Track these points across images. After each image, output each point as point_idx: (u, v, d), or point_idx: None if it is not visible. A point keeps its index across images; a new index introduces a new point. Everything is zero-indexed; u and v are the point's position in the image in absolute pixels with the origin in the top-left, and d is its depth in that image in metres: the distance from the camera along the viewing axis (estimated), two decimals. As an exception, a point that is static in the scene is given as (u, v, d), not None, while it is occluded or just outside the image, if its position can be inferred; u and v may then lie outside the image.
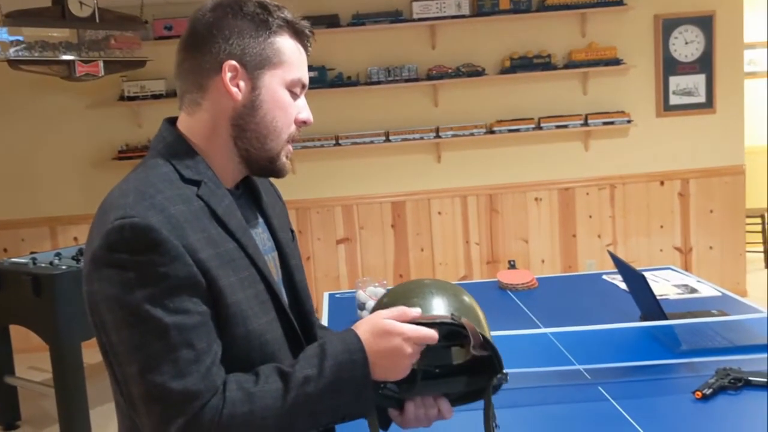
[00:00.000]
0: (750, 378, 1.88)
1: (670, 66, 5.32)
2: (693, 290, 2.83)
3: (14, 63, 4.16)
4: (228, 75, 1.14)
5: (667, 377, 2.00)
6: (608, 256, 2.76)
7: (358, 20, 5.15)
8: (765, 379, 1.87)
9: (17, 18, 4.11)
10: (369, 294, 2.68)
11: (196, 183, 1.14)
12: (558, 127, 5.25)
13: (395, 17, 5.16)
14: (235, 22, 1.15)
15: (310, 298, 1.32)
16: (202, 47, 1.16)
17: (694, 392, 1.84)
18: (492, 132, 5.28)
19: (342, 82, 5.19)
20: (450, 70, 5.19)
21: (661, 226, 5.47)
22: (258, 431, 1.04)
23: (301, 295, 1.30)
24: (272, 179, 1.38)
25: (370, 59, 5.26)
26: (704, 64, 5.33)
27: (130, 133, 5.31)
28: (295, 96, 1.20)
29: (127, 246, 1.02)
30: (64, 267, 3.83)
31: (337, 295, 3.17)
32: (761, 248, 6.45)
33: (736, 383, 1.87)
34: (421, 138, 5.25)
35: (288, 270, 1.29)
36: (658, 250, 5.48)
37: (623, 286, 2.84)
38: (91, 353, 3.95)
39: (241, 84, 1.15)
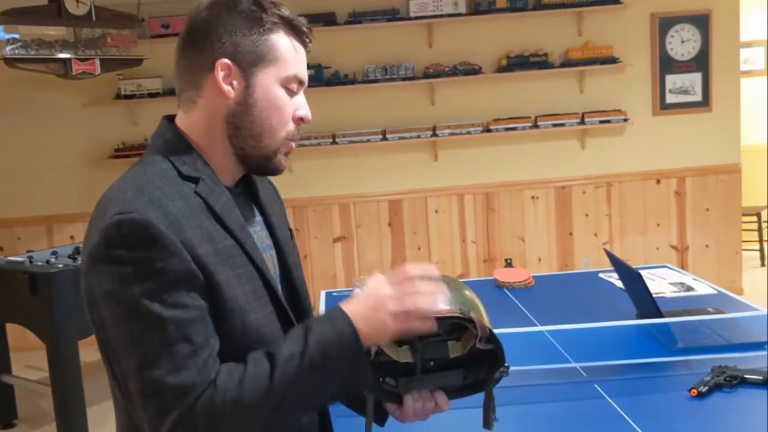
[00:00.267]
0: (746, 376, 1.89)
1: (667, 64, 5.33)
2: (689, 288, 2.84)
3: (11, 61, 4.15)
4: (221, 73, 1.14)
5: (663, 375, 2.01)
6: (605, 255, 2.76)
7: (355, 18, 5.14)
8: (761, 377, 1.88)
9: (14, 16, 4.11)
10: (366, 292, 2.68)
11: (194, 180, 1.14)
12: (555, 125, 5.25)
13: (392, 15, 5.16)
14: (228, 20, 1.14)
15: (307, 296, 1.33)
16: (197, 45, 1.16)
17: (690, 390, 1.85)
18: (489, 130, 5.28)
19: (339, 80, 5.19)
20: (447, 69, 5.20)
21: (658, 225, 5.48)
22: (251, 414, 1.04)
23: (299, 292, 1.30)
24: (271, 178, 1.39)
25: (367, 57, 5.26)
26: (700, 62, 5.34)
27: (126, 132, 5.30)
28: (291, 93, 1.19)
29: (125, 242, 1.03)
30: (60, 265, 3.82)
31: (334, 294, 3.17)
32: (757, 246, 6.47)
33: (732, 381, 1.88)
34: (418, 136, 5.25)
35: (286, 268, 1.29)
36: (654, 248, 5.49)
37: (619, 284, 2.85)
38: (87, 351, 3.95)
39: (235, 82, 1.15)
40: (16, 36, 4.15)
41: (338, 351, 1.06)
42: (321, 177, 5.38)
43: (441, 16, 5.13)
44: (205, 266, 1.06)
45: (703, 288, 2.83)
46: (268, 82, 1.16)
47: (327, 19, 5.12)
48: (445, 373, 1.23)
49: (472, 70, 5.19)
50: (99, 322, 1.08)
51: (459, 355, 1.22)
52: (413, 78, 5.20)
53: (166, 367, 1.01)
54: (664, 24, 5.29)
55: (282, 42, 1.17)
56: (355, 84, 5.21)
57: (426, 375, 1.22)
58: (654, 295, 2.29)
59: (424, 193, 5.42)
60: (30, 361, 4.75)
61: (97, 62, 4.41)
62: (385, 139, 5.25)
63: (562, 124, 5.26)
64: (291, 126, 1.19)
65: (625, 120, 5.29)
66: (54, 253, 4.11)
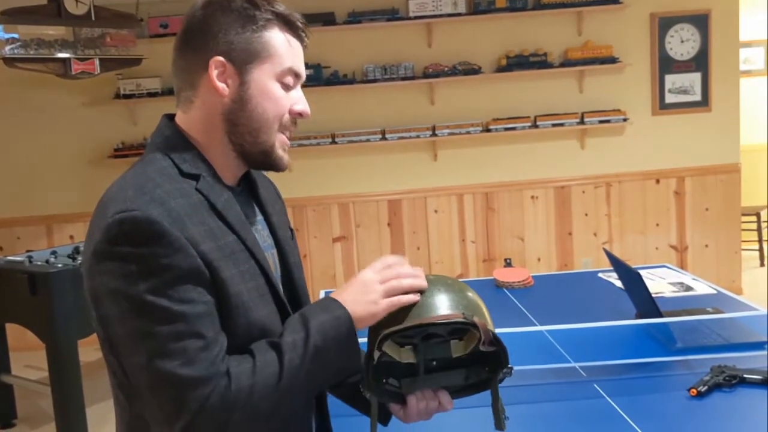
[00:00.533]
0: (745, 375, 1.89)
1: (666, 64, 5.33)
2: (688, 288, 2.84)
3: (10, 61, 4.15)
4: (215, 71, 1.15)
5: (663, 374, 2.01)
6: (604, 254, 2.77)
7: (355, 18, 5.14)
8: (760, 377, 1.88)
9: (13, 16, 4.10)
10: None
11: (195, 177, 1.15)
12: (554, 125, 5.25)
13: (391, 15, 5.16)
14: (222, 19, 1.15)
15: (308, 295, 1.33)
16: (192, 45, 1.17)
17: (689, 389, 1.85)
18: (488, 130, 5.28)
19: (338, 80, 5.19)
20: (446, 69, 5.19)
21: (657, 224, 5.48)
22: (263, 401, 1.06)
23: (300, 292, 1.31)
24: (271, 177, 1.39)
25: (366, 57, 5.26)
26: (700, 62, 5.34)
27: (125, 131, 5.30)
28: (287, 87, 1.19)
29: (128, 239, 1.03)
30: (60, 265, 3.82)
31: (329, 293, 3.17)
32: (756, 246, 6.47)
33: (731, 380, 1.88)
34: (418, 136, 5.25)
35: (287, 268, 1.29)
36: (653, 248, 5.49)
37: (619, 284, 2.85)
38: (87, 351, 3.96)
39: (230, 80, 1.16)
40: (16, 36, 4.15)
41: (337, 334, 1.11)
42: (320, 177, 5.38)
43: (440, 15, 5.13)
44: (210, 262, 1.07)
45: (702, 288, 2.83)
46: (262, 78, 1.16)
47: (326, 19, 5.12)
48: (447, 373, 1.24)
49: (471, 70, 5.19)
50: (105, 320, 1.07)
51: (461, 354, 1.22)
52: (413, 78, 5.20)
53: (178, 360, 1.02)
54: (664, 24, 5.30)
55: (276, 38, 1.17)
56: (354, 84, 5.21)
57: (428, 375, 1.23)
58: (653, 295, 2.29)
59: (424, 193, 5.42)
60: (29, 360, 4.75)
61: (97, 62, 4.41)
62: (384, 138, 5.25)
63: (561, 124, 5.26)
64: (286, 117, 1.20)
65: (625, 120, 5.29)
66: (53, 252, 4.11)
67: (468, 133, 5.25)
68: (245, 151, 1.19)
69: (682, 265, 5.46)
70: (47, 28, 4.27)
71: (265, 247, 1.23)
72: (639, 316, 2.44)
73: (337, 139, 5.24)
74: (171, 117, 1.22)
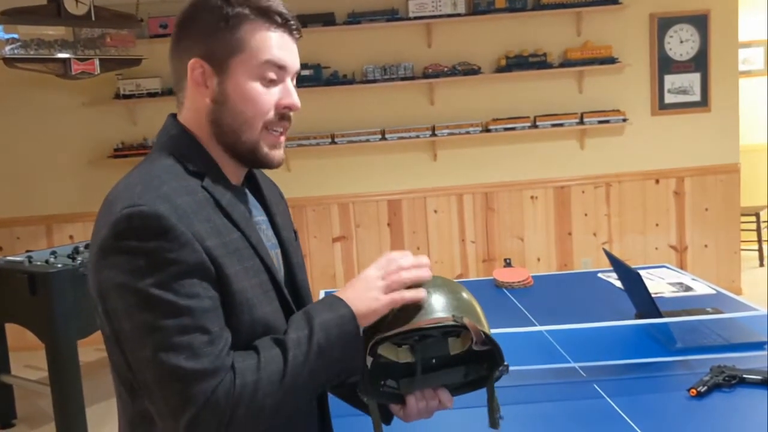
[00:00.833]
0: (744, 375, 1.89)
1: (665, 64, 5.34)
2: (688, 288, 2.84)
3: (10, 61, 4.15)
4: (196, 72, 1.15)
5: (662, 375, 2.01)
6: (604, 254, 2.77)
7: (354, 18, 5.14)
8: (759, 377, 1.88)
9: (13, 16, 4.10)
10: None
11: (200, 175, 1.15)
12: (553, 125, 5.26)
13: (391, 15, 5.16)
14: (199, 20, 1.15)
15: (311, 296, 1.34)
16: (177, 47, 1.18)
17: (689, 390, 1.85)
18: (488, 130, 5.28)
19: (338, 80, 5.19)
20: (446, 69, 5.20)
21: (657, 225, 5.48)
22: (268, 397, 1.06)
23: (303, 293, 1.31)
24: (272, 178, 1.39)
25: (366, 57, 5.26)
26: (699, 62, 5.34)
27: (125, 131, 5.30)
28: (271, 83, 1.17)
29: (135, 233, 1.04)
30: (59, 265, 3.82)
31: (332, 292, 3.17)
32: (756, 246, 6.47)
33: (731, 381, 1.88)
34: (417, 136, 5.25)
35: (290, 268, 1.30)
36: (653, 248, 5.49)
37: (618, 284, 2.85)
38: (86, 351, 3.96)
39: (209, 81, 1.16)
40: (16, 36, 4.15)
41: (340, 332, 1.11)
42: (320, 177, 5.38)
43: (440, 16, 5.13)
44: (215, 258, 1.08)
45: (702, 288, 2.83)
46: (238, 75, 1.15)
47: (326, 19, 5.12)
48: (446, 371, 1.24)
49: (471, 70, 5.20)
50: (111, 314, 1.08)
51: (459, 352, 1.23)
52: (412, 78, 5.20)
53: (184, 354, 1.02)
54: (663, 24, 5.30)
55: (251, 32, 1.15)
56: (354, 84, 5.21)
57: (427, 374, 1.23)
58: (653, 295, 2.29)
59: (424, 193, 5.42)
60: (29, 360, 4.75)
61: (97, 62, 4.41)
62: (384, 139, 5.25)
63: (561, 124, 5.26)
64: (270, 116, 1.17)
65: (624, 120, 5.29)
66: (53, 252, 4.10)
67: (468, 133, 5.26)
68: (233, 150, 1.19)
69: (682, 266, 5.46)
70: (47, 28, 4.27)
71: (269, 246, 1.23)
72: (639, 316, 2.44)
73: (336, 140, 5.24)
74: (176, 116, 1.23)
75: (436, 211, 5.43)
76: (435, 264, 5.41)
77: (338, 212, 5.42)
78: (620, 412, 1.80)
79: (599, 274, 3.15)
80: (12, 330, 4.13)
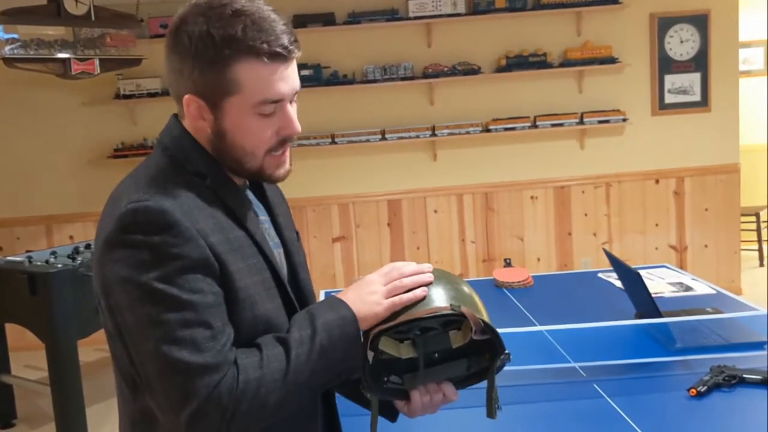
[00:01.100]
0: (744, 375, 1.89)
1: (666, 64, 5.34)
2: (688, 288, 2.84)
3: (10, 61, 4.15)
4: (191, 107, 1.14)
5: (662, 374, 2.01)
6: (604, 254, 2.77)
7: (354, 18, 5.14)
8: (759, 377, 1.88)
9: (13, 16, 4.10)
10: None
11: (203, 175, 1.16)
12: (553, 125, 5.26)
13: (391, 15, 5.16)
14: (187, 57, 1.11)
15: (314, 296, 1.35)
16: (171, 68, 1.16)
17: (688, 389, 1.85)
18: (488, 130, 5.28)
19: (338, 80, 5.19)
20: (446, 69, 5.20)
21: (657, 225, 5.48)
22: (270, 394, 1.06)
23: (306, 292, 1.32)
24: None
25: (366, 57, 5.26)
26: (699, 62, 5.34)
27: (125, 131, 5.30)
28: (268, 115, 1.14)
29: (140, 228, 1.04)
30: (59, 265, 3.82)
31: (333, 294, 3.17)
32: (756, 246, 6.47)
33: (731, 380, 1.88)
34: (417, 136, 5.25)
35: (293, 267, 1.31)
36: (653, 248, 5.49)
37: (618, 284, 2.85)
38: (86, 351, 3.96)
39: (205, 114, 1.15)
40: (15, 36, 4.15)
41: (342, 333, 1.12)
42: (320, 177, 5.38)
43: (440, 16, 5.13)
44: (218, 255, 1.08)
45: (702, 288, 2.83)
46: (235, 113, 1.13)
47: (326, 19, 5.12)
48: (449, 364, 1.24)
49: (471, 70, 5.20)
50: (114, 308, 1.08)
51: (461, 344, 1.23)
52: (412, 78, 5.20)
53: (187, 349, 1.03)
54: (663, 24, 5.30)
55: (243, 73, 1.10)
56: (354, 84, 5.21)
57: (430, 368, 1.23)
58: (653, 295, 2.29)
59: (424, 193, 5.42)
60: (29, 360, 4.75)
61: (96, 62, 4.41)
62: (384, 139, 5.25)
63: (561, 124, 5.26)
64: (272, 144, 1.16)
65: (624, 120, 5.29)
66: (53, 253, 4.11)
67: (468, 133, 5.26)
68: (236, 173, 1.20)
69: (682, 265, 5.46)
70: (47, 28, 4.27)
71: (272, 245, 1.24)
72: (639, 316, 2.44)
73: (336, 140, 5.24)
74: (179, 116, 1.23)
75: (436, 211, 5.43)
76: (435, 264, 5.37)
77: (338, 212, 5.42)
78: (620, 411, 1.80)
79: (599, 274, 3.15)
80: (12, 330, 4.13)
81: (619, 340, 2.29)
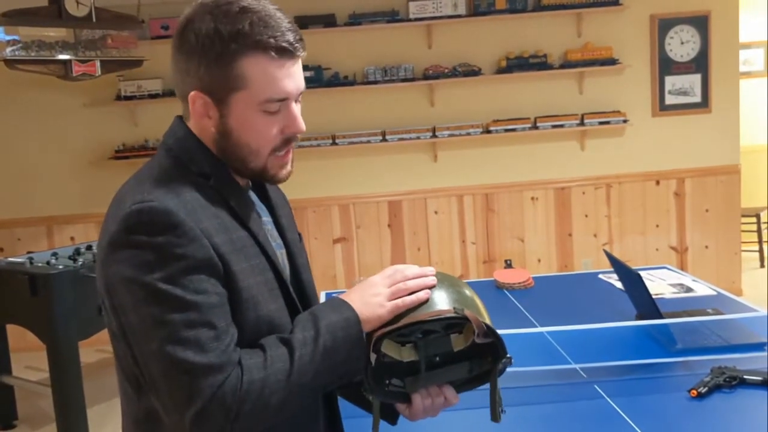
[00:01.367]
0: (745, 376, 1.89)
1: (666, 66, 5.34)
2: (689, 289, 2.84)
3: (11, 62, 4.15)
4: (197, 104, 1.14)
5: (663, 376, 2.01)
6: (604, 256, 2.77)
7: (355, 20, 5.15)
8: (760, 378, 1.88)
9: (14, 17, 4.10)
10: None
11: (207, 175, 1.16)
12: (554, 126, 5.26)
13: (392, 17, 5.17)
14: (194, 53, 1.12)
15: (317, 297, 1.35)
16: (177, 68, 1.17)
17: (689, 390, 1.86)
18: (488, 131, 5.28)
19: (338, 81, 5.20)
20: (446, 70, 5.20)
21: (657, 226, 5.49)
22: (273, 395, 1.07)
23: (309, 293, 1.32)
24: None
25: (366, 59, 5.26)
26: (700, 63, 5.34)
27: (126, 133, 5.30)
28: (273, 113, 1.15)
29: (144, 228, 1.05)
30: (60, 266, 3.83)
31: (334, 295, 3.17)
32: (756, 247, 6.47)
33: (731, 382, 1.88)
34: (418, 137, 5.25)
35: (296, 268, 1.31)
36: (653, 249, 5.49)
37: (619, 285, 2.85)
38: (87, 352, 3.96)
39: (211, 112, 1.15)
40: (17, 37, 4.15)
41: (346, 335, 1.12)
42: (321, 178, 5.39)
43: (440, 17, 5.13)
44: (222, 255, 1.09)
45: (702, 289, 2.83)
46: (241, 110, 1.14)
47: (327, 21, 5.13)
48: (450, 368, 1.24)
49: (471, 72, 5.20)
50: (118, 309, 1.09)
51: (462, 347, 1.23)
52: (413, 79, 5.20)
53: (191, 349, 1.03)
54: (664, 25, 5.30)
55: (250, 68, 1.11)
56: (354, 85, 5.21)
57: (431, 371, 1.23)
58: (653, 296, 2.29)
59: (424, 194, 5.42)
60: (30, 361, 4.75)
61: (98, 63, 4.41)
62: (384, 140, 5.26)
63: (561, 125, 5.26)
64: (276, 143, 1.17)
65: (625, 121, 5.29)
66: (54, 254, 4.11)
67: (468, 134, 5.26)
68: (239, 172, 1.20)
69: (682, 267, 5.46)
70: (48, 29, 4.27)
71: (275, 246, 1.24)
72: (639, 317, 2.44)
73: (337, 141, 5.24)
74: (183, 118, 1.23)
75: (436, 212, 5.43)
76: (435, 265, 5.40)
77: (339, 213, 5.42)
78: (621, 413, 1.80)
79: (600, 275, 3.16)
80: (13, 331, 4.13)
81: (619, 341, 2.29)
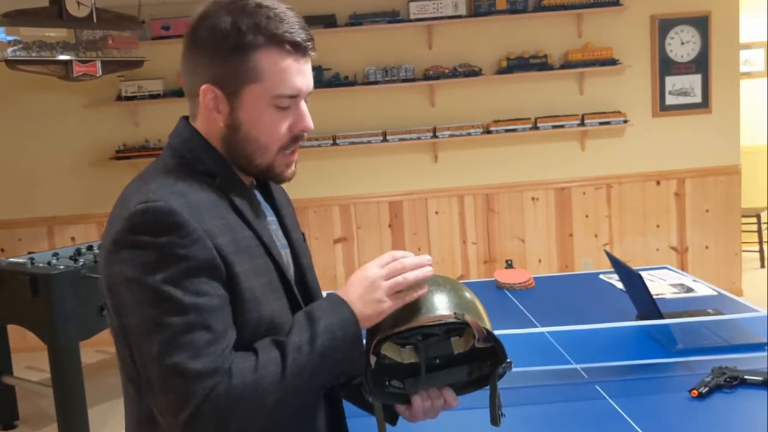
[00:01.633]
0: (746, 377, 1.89)
1: (666, 66, 5.34)
2: (689, 289, 2.85)
3: (11, 63, 4.15)
4: (208, 97, 1.15)
5: (664, 376, 2.01)
6: (605, 256, 2.77)
7: (356, 20, 5.15)
8: (760, 378, 1.89)
9: (14, 18, 4.11)
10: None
11: (213, 175, 1.17)
12: (554, 127, 5.26)
13: (392, 17, 5.17)
14: (209, 45, 1.13)
15: (321, 296, 1.35)
16: (189, 64, 1.17)
17: (690, 391, 1.86)
18: (489, 132, 5.29)
19: (339, 81, 5.20)
20: (447, 70, 5.20)
21: (658, 226, 5.49)
22: (265, 399, 1.07)
23: (312, 293, 1.32)
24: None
25: (367, 59, 5.27)
26: (700, 64, 5.35)
27: (127, 133, 5.31)
28: (284, 109, 1.17)
29: (148, 228, 1.05)
30: (61, 267, 3.83)
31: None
32: (757, 248, 6.47)
33: (732, 382, 1.88)
34: (418, 138, 5.26)
35: (300, 269, 1.31)
36: (654, 249, 5.50)
37: (620, 285, 2.86)
38: (88, 353, 3.96)
39: (221, 106, 1.16)
40: (17, 38, 4.15)
41: (344, 335, 1.12)
42: (321, 178, 5.39)
43: (441, 17, 5.13)
44: (225, 256, 1.09)
45: (703, 289, 2.83)
46: (252, 103, 1.15)
47: (327, 21, 5.13)
48: (450, 370, 1.24)
49: (472, 72, 5.20)
50: (120, 308, 1.09)
51: (463, 350, 1.23)
52: (413, 79, 5.20)
53: (186, 353, 1.03)
54: (664, 26, 5.30)
55: (264, 61, 1.13)
56: (355, 85, 5.21)
57: (431, 373, 1.23)
58: (654, 297, 2.30)
59: (425, 195, 5.42)
60: (31, 362, 4.75)
61: (98, 64, 4.41)
62: (385, 140, 5.26)
63: (561, 126, 5.27)
64: (285, 140, 1.18)
65: (625, 121, 5.29)
66: (55, 254, 4.11)
67: (468, 134, 5.26)
68: (245, 170, 1.21)
69: (683, 267, 5.46)
70: (49, 30, 4.27)
71: (279, 246, 1.25)
72: (640, 317, 2.44)
73: (338, 141, 5.25)
74: (188, 118, 1.24)
75: (437, 213, 5.43)
76: (436, 265, 5.41)
77: (339, 213, 5.43)
78: (622, 413, 1.81)
79: (600, 276, 3.16)
80: (14, 331, 4.13)
81: (620, 341, 2.29)
